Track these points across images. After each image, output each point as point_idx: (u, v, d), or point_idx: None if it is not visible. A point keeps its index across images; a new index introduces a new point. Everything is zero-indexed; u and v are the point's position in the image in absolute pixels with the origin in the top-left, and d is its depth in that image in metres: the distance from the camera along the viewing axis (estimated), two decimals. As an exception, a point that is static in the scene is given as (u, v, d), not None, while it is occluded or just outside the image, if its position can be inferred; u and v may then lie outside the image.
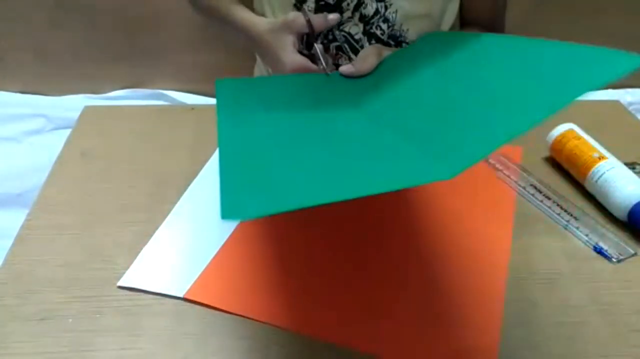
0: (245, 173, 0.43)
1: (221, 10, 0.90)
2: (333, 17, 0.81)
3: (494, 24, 0.93)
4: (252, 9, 0.93)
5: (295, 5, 0.86)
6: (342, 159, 0.44)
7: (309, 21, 0.78)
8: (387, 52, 0.78)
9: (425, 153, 0.42)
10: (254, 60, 1.05)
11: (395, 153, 0.43)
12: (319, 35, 0.83)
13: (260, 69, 1.02)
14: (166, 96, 1.36)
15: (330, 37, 0.87)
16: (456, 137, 0.43)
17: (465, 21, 0.93)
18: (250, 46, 0.92)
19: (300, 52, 0.79)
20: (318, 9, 0.85)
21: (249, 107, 0.63)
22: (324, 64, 0.77)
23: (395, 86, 0.60)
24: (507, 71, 0.46)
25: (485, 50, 0.54)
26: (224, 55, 1.32)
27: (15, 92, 1.35)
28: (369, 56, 0.76)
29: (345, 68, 0.77)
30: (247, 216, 0.40)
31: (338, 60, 0.89)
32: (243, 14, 0.87)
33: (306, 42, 0.81)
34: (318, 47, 0.79)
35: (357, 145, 0.47)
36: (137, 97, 1.36)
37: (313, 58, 0.79)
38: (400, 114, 0.51)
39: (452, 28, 0.91)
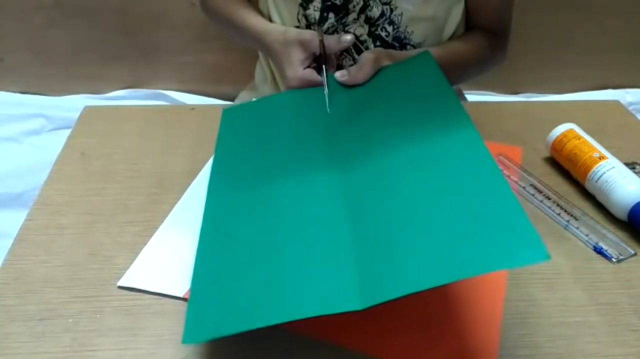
0: (213, 297, 0.51)
1: (234, 15, 0.90)
2: (347, 38, 0.79)
3: (499, 27, 0.93)
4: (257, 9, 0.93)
5: (301, 4, 0.86)
6: (294, 276, 0.51)
7: (321, 42, 0.78)
8: (386, 61, 0.77)
9: (359, 271, 0.49)
10: (255, 60, 1.05)
11: (336, 270, 0.51)
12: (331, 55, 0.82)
13: (262, 68, 1.02)
14: (166, 96, 1.36)
15: None
16: (388, 263, 0.49)
17: (472, 24, 0.92)
18: (262, 52, 0.91)
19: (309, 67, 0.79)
20: (324, 9, 0.85)
21: (242, 165, 0.68)
22: (326, 87, 0.75)
23: (377, 158, 0.62)
24: (454, 204, 0.52)
25: (456, 159, 0.58)
26: (224, 55, 1.33)
27: (15, 92, 1.35)
28: (365, 65, 0.76)
29: (339, 74, 0.77)
30: (206, 340, 0.52)
31: (342, 62, 0.89)
32: (257, 21, 0.87)
33: (317, 61, 0.80)
34: (324, 72, 0.77)
35: (314, 255, 0.53)
36: (137, 97, 1.36)
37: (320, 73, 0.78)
38: (368, 206, 0.56)
39: (456, 30, 0.91)
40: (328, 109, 0.73)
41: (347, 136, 0.68)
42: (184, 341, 0.47)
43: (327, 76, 0.76)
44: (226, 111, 0.78)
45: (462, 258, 0.46)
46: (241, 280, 0.52)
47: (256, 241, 0.56)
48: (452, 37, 0.91)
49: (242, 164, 0.67)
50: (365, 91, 0.76)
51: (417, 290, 0.44)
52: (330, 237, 0.54)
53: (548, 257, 0.43)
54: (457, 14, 0.89)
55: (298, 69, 0.77)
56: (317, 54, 0.79)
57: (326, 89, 0.75)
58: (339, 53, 0.85)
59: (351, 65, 0.89)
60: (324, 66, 0.77)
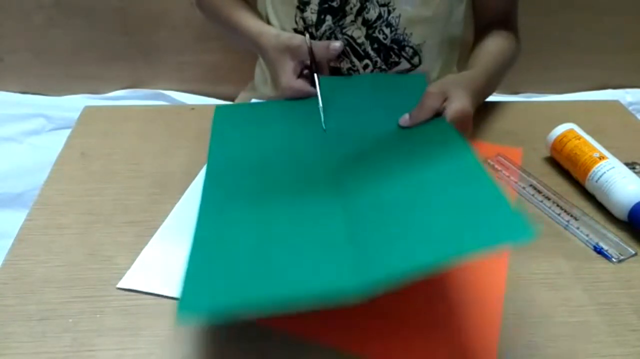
0: (211, 270, 0.50)
1: (231, 17, 0.90)
2: (335, 46, 0.80)
3: (509, 22, 0.93)
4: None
5: (298, 7, 0.86)
6: (294, 260, 0.50)
7: (310, 49, 0.78)
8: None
9: (355, 255, 0.49)
10: (254, 60, 1.05)
11: (332, 254, 0.50)
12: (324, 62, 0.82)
13: (261, 69, 1.02)
14: (166, 96, 1.35)
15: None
16: (382, 247, 0.49)
17: (481, 22, 0.92)
18: (259, 55, 0.91)
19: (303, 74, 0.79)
20: (321, 12, 0.85)
21: (238, 160, 0.68)
22: (320, 99, 0.75)
23: (377, 182, 0.62)
24: (447, 193, 0.55)
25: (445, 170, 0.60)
26: (224, 55, 1.33)
27: (15, 92, 1.34)
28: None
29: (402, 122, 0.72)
30: (202, 313, 0.49)
31: (340, 64, 0.89)
32: (252, 23, 0.87)
33: (310, 67, 0.80)
34: (317, 80, 0.77)
35: (310, 239, 0.53)
36: (137, 97, 1.36)
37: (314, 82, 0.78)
38: (364, 206, 0.56)
39: (458, 31, 0.91)
40: (323, 124, 0.73)
41: (344, 161, 0.67)
42: (179, 311, 0.45)
43: (318, 87, 0.76)
44: (219, 109, 0.78)
45: (454, 239, 0.47)
46: (237, 259, 0.51)
47: (253, 227, 0.55)
48: (477, 50, 0.87)
49: (237, 173, 0.66)
50: (360, 108, 0.76)
51: (412, 272, 0.44)
52: (326, 224, 0.54)
53: (533, 235, 0.44)
54: (459, 14, 0.89)
55: (291, 78, 0.78)
56: (307, 61, 0.79)
57: (320, 102, 0.75)
58: (331, 60, 0.85)
59: (349, 68, 0.89)
60: (315, 75, 0.77)
